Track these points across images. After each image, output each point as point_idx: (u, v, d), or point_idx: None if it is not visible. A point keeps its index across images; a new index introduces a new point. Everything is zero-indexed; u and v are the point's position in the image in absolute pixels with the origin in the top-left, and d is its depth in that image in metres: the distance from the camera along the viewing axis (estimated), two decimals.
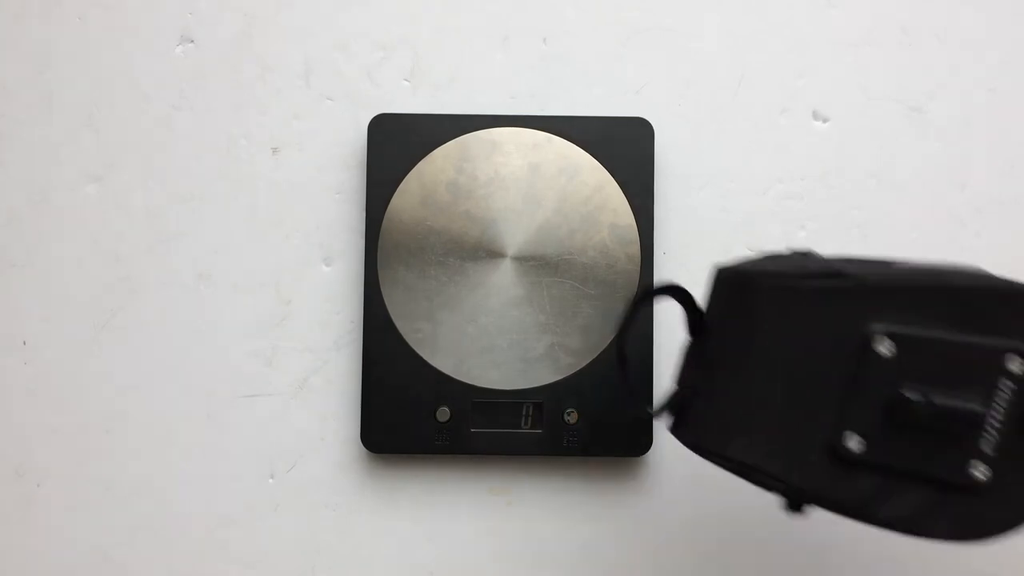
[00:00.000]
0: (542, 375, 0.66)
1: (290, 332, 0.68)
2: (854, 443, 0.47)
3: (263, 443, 0.67)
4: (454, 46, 0.69)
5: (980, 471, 0.47)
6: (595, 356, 0.66)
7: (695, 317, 0.51)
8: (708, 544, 0.67)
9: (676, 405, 0.51)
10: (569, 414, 0.66)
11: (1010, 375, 0.47)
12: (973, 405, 0.47)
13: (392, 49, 0.69)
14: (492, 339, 0.66)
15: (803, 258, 0.51)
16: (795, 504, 0.49)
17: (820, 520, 0.67)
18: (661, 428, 0.67)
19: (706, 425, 0.49)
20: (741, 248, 0.68)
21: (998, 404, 0.47)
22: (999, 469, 0.47)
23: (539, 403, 0.66)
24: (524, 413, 0.66)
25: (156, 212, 0.68)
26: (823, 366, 0.47)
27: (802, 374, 0.47)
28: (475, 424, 0.66)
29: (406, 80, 0.69)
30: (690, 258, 0.68)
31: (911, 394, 0.47)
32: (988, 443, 0.47)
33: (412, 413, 0.66)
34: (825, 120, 0.69)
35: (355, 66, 0.69)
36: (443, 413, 0.66)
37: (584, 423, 0.66)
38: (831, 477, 0.47)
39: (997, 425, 0.47)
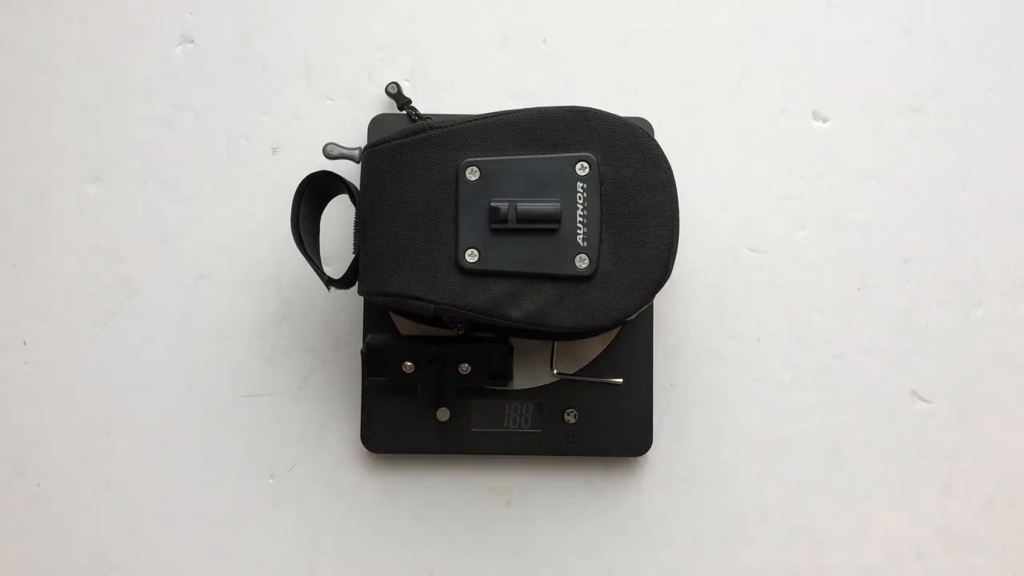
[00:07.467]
0: (542, 375, 0.66)
1: (290, 332, 0.68)
2: (471, 256, 0.58)
3: (263, 443, 0.67)
4: (454, 46, 0.69)
5: (583, 262, 0.58)
6: (595, 356, 0.66)
7: (351, 192, 0.61)
8: (707, 544, 0.67)
9: (352, 269, 0.61)
10: (569, 414, 0.65)
11: (582, 178, 0.59)
12: (551, 204, 0.58)
13: (392, 49, 0.69)
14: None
15: (418, 121, 0.64)
16: (439, 320, 0.60)
17: (816, 521, 0.67)
18: (661, 428, 0.67)
19: (368, 273, 0.60)
20: (741, 248, 0.68)
21: (580, 204, 0.58)
22: (599, 258, 0.58)
23: (539, 403, 0.66)
24: (524, 413, 0.66)
25: (156, 212, 0.68)
26: (434, 199, 0.59)
27: (421, 209, 0.59)
28: (475, 424, 0.66)
29: (406, 80, 0.69)
30: (691, 258, 0.68)
31: (497, 203, 0.58)
32: (584, 237, 0.58)
33: (412, 413, 0.66)
34: (825, 120, 0.69)
35: (355, 66, 0.69)
36: (443, 413, 0.66)
37: (584, 423, 0.66)
38: (464, 287, 0.58)
39: (585, 221, 0.58)
